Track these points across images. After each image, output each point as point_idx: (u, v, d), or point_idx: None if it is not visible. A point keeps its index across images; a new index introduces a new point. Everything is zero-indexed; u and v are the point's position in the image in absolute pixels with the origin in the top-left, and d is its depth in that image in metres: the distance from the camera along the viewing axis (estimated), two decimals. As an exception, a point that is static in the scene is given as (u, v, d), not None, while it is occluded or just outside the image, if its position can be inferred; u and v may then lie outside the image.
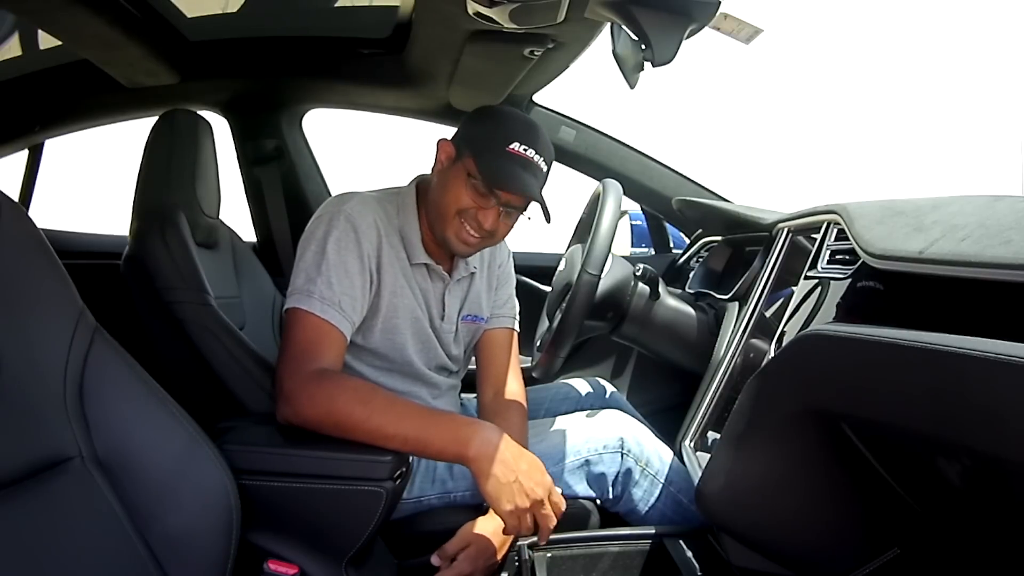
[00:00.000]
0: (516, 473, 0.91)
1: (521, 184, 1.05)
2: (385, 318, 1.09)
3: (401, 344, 1.12)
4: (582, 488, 1.15)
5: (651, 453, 1.17)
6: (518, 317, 1.32)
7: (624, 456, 1.15)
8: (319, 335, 0.98)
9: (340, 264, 1.01)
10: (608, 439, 1.16)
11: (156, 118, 1.34)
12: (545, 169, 1.08)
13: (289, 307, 1.00)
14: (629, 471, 1.15)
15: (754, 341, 1.16)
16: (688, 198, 1.82)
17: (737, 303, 1.33)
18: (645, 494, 1.15)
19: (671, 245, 2.17)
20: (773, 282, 1.20)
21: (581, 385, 1.49)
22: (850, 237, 0.84)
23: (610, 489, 1.15)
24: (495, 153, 1.04)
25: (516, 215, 1.12)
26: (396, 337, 1.11)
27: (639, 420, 1.29)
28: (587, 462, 1.15)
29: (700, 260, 1.76)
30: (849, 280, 0.87)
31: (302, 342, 0.97)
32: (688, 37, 0.92)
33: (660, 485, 1.16)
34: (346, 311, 1.00)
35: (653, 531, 1.09)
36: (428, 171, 1.18)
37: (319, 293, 0.99)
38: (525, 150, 1.05)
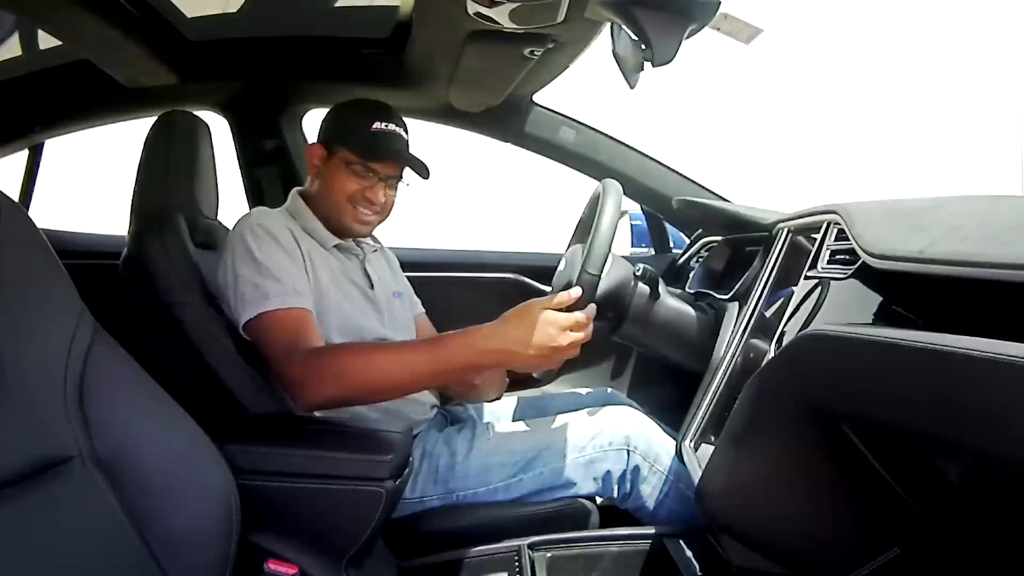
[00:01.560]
0: (532, 334, 0.96)
1: (395, 153, 1.17)
2: (325, 294, 1.15)
3: (351, 313, 1.17)
4: (587, 486, 1.14)
5: (659, 448, 1.17)
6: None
7: (631, 453, 1.14)
8: (295, 323, 1.03)
9: (274, 261, 1.07)
10: (613, 436, 1.15)
11: (156, 118, 1.34)
12: (407, 137, 1.21)
13: (251, 317, 1.03)
14: (637, 468, 1.14)
15: (754, 341, 1.16)
16: (688, 198, 1.81)
17: (737, 303, 1.33)
18: (654, 490, 1.15)
19: (671, 245, 2.17)
20: (773, 282, 1.20)
21: (581, 386, 1.49)
22: (850, 237, 0.84)
23: (615, 487, 1.15)
24: (362, 135, 1.16)
25: (396, 184, 1.23)
26: (344, 305, 1.17)
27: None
28: (592, 460, 1.14)
29: (700, 260, 1.76)
30: (849, 280, 0.87)
31: (283, 337, 1.01)
32: (688, 37, 0.93)
33: (668, 481, 1.15)
34: (301, 292, 1.06)
35: (653, 531, 1.09)
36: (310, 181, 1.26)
37: (272, 291, 1.04)
38: (386, 125, 1.17)
